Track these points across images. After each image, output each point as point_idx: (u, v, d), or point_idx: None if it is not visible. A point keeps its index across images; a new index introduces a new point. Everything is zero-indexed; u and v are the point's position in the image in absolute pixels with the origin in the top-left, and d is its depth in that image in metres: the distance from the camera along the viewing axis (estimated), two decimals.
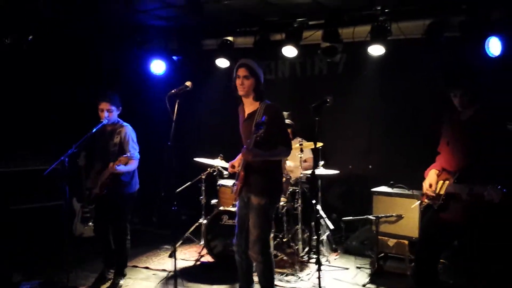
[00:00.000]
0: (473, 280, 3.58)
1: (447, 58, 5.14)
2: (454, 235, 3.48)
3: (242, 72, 3.72)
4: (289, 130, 5.65)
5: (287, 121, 5.74)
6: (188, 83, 3.84)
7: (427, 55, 5.34)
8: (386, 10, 5.26)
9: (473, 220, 3.32)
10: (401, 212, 4.79)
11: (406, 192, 4.87)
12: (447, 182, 3.43)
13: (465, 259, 3.66)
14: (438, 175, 3.57)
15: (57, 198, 5.91)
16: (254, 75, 3.72)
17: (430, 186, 3.54)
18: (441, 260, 3.97)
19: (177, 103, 3.74)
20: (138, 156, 4.50)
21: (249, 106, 3.84)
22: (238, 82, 3.74)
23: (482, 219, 3.31)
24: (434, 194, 3.49)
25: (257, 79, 3.74)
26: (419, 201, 3.73)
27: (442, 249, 3.54)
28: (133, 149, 4.47)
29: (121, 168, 4.29)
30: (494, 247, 3.75)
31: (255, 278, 3.99)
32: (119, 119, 4.60)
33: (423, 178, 3.69)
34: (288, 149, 3.72)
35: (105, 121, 4.40)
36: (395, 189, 5.00)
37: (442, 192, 3.45)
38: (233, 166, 3.92)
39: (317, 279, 3.44)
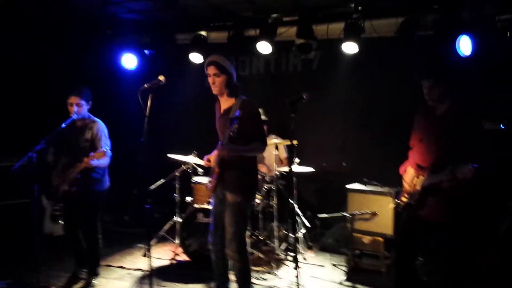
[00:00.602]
0: (448, 277, 3.64)
1: (420, 56, 5.20)
2: (432, 232, 3.52)
3: (211, 70, 3.66)
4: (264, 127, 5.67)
5: (262, 117, 5.73)
6: (161, 78, 3.74)
7: (400, 53, 5.40)
8: (360, 8, 5.29)
9: (450, 215, 3.37)
10: (375, 209, 4.83)
11: (380, 189, 4.91)
12: (421, 177, 3.47)
13: (440, 255, 3.71)
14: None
15: (26, 196, 5.72)
16: (225, 72, 3.65)
17: (410, 183, 3.56)
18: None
19: (149, 98, 3.64)
20: (110, 152, 4.39)
21: (224, 102, 3.79)
22: (209, 80, 3.69)
23: (458, 214, 3.36)
24: (413, 191, 3.52)
25: (229, 75, 3.67)
26: (398, 201, 3.74)
27: (419, 246, 3.58)
28: (106, 144, 4.37)
29: (95, 162, 4.18)
30: (470, 243, 3.82)
31: (232, 277, 3.96)
32: (89, 114, 4.48)
33: (398, 175, 3.72)
34: (263, 145, 3.68)
35: (74, 116, 4.28)
36: (368, 186, 5.04)
37: (418, 188, 3.49)
38: (208, 160, 3.84)
39: (295, 277, 3.44)
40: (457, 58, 4.70)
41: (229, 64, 3.69)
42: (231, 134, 3.50)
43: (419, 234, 3.51)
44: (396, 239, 3.79)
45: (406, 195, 3.62)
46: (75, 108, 4.29)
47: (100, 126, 4.44)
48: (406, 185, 3.61)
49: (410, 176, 3.59)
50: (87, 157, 4.13)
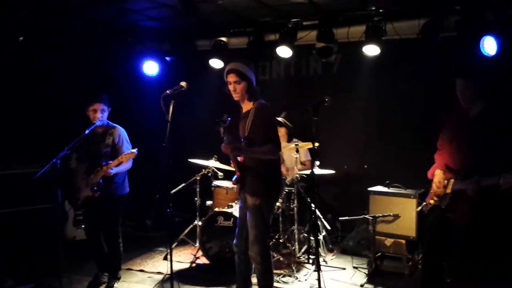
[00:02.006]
0: (472, 280, 3.56)
1: (443, 58, 5.14)
2: (459, 234, 3.45)
3: (232, 78, 3.70)
4: (283, 130, 5.66)
5: (282, 120, 5.72)
6: (183, 83, 3.79)
7: (422, 55, 5.34)
8: (381, 10, 5.27)
9: (480, 219, 3.30)
10: (397, 212, 4.78)
11: (403, 191, 4.87)
12: (452, 180, 3.40)
13: (465, 258, 3.64)
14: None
15: (49, 201, 5.80)
16: (245, 78, 3.69)
17: (439, 185, 3.50)
18: None
19: (172, 104, 3.69)
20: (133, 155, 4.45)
21: (245, 106, 3.85)
22: (230, 88, 3.73)
23: (489, 218, 3.29)
24: (442, 193, 3.46)
25: (249, 81, 3.72)
26: (424, 203, 3.68)
27: (449, 249, 3.52)
28: (128, 149, 4.42)
29: (114, 170, 4.24)
30: (496, 247, 3.74)
31: (254, 280, 3.95)
32: (108, 121, 4.54)
33: (419, 178, 3.66)
34: (276, 148, 3.66)
35: (98, 122, 4.33)
36: (391, 188, 4.99)
37: (448, 191, 3.42)
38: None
39: (316, 280, 3.41)
40: (482, 59, 4.62)
41: (248, 70, 3.73)
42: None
43: (447, 237, 3.44)
44: (424, 240, 3.72)
45: (434, 197, 3.55)
46: (99, 114, 4.34)
47: (121, 132, 4.50)
48: (435, 187, 3.54)
49: (439, 178, 3.52)
50: (106, 165, 4.18)
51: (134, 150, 4.24)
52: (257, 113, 3.66)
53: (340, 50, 5.74)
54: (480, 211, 3.29)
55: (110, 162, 4.24)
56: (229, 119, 3.59)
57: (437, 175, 3.54)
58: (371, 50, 5.39)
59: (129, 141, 4.54)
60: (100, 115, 4.36)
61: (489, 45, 4.65)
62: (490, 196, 3.19)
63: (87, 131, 4.21)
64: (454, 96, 3.48)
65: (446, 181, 3.45)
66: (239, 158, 3.79)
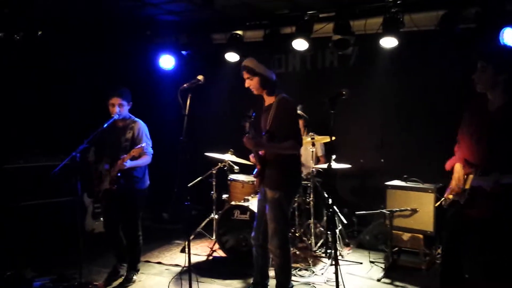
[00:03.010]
0: (491, 276, 3.52)
1: (461, 49, 5.05)
2: (478, 230, 3.41)
3: (244, 75, 3.83)
4: (301, 122, 5.63)
5: (300, 113, 5.70)
6: (200, 77, 3.80)
7: (441, 47, 5.27)
8: (398, 2, 5.19)
9: (500, 215, 3.25)
10: (415, 206, 4.74)
11: (421, 186, 4.83)
12: (471, 176, 3.35)
13: (484, 254, 3.59)
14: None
15: (68, 194, 5.89)
16: (256, 74, 3.76)
17: (458, 182, 3.45)
18: None
19: (189, 97, 3.70)
20: (152, 151, 4.49)
21: (267, 99, 3.91)
22: (246, 84, 3.85)
23: (508, 215, 3.24)
24: (461, 190, 3.41)
25: (262, 76, 3.76)
26: (443, 198, 3.64)
27: (468, 245, 3.48)
28: (147, 144, 4.45)
29: (129, 164, 4.25)
30: None
31: (271, 273, 3.97)
32: (130, 115, 4.56)
33: (436, 172, 3.61)
34: (298, 144, 3.69)
35: (116, 116, 4.35)
36: (408, 183, 4.95)
37: (467, 186, 3.37)
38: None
39: (333, 274, 3.40)
40: (502, 50, 4.53)
41: (259, 65, 3.77)
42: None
43: (467, 233, 3.40)
44: (443, 236, 3.68)
45: (453, 193, 3.50)
46: (117, 109, 4.37)
47: (141, 126, 4.51)
48: (454, 182, 3.49)
49: (458, 173, 3.46)
50: (121, 159, 4.19)
51: (143, 145, 4.26)
52: (279, 107, 3.70)
53: (356, 42, 5.67)
54: (500, 208, 3.23)
55: (124, 156, 4.27)
56: (254, 114, 3.66)
57: (457, 171, 3.48)
58: (389, 42, 5.32)
59: (149, 136, 4.55)
60: (118, 109, 4.38)
61: (510, 37, 4.56)
62: (510, 193, 3.14)
63: (105, 125, 4.25)
64: (474, 89, 3.42)
65: (465, 176, 3.40)
66: (260, 152, 3.82)
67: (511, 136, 3.19)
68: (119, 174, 4.30)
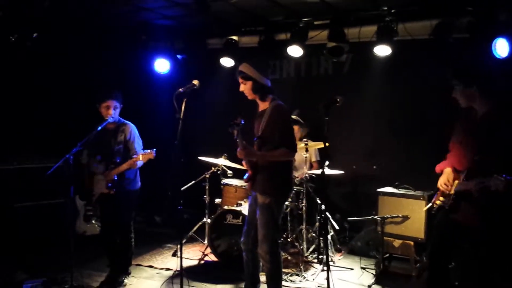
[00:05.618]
0: (480, 282, 3.55)
1: (454, 59, 5.11)
2: (465, 236, 3.46)
3: (239, 79, 3.86)
4: (296, 128, 5.63)
5: (295, 117, 5.71)
6: (195, 82, 3.83)
7: (434, 56, 5.32)
8: (393, 11, 5.25)
9: (483, 221, 3.30)
10: (406, 213, 4.78)
11: (412, 193, 4.87)
12: (456, 182, 3.42)
13: (472, 260, 3.63)
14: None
15: (60, 196, 5.89)
16: (249, 79, 3.78)
17: (444, 186, 3.51)
18: None
19: (184, 102, 3.72)
20: (143, 152, 4.48)
21: (260, 105, 3.93)
22: (240, 88, 3.89)
23: (492, 220, 3.29)
24: (448, 192, 3.47)
25: (254, 81, 3.79)
26: (430, 203, 3.69)
27: (453, 250, 3.52)
28: (139, 146, 4.48)
29: (141, 163, 4.31)
30: (503, 249, 3.72)
31: (262, 278, 3.97)
32: (119, 117, 4.57)
33: (428, 180, 3.66)
34: (291, 151, 3.72)
35: (110, 119, 4.38)
36: (400, 189, 4.99)
37: (452, 192, 3.43)
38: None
39: (325, 280, 3.43)
40: (493, 61, 4.59)
41: (253, 70, 3.79)
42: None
43: (452, 238, 3.45)
44: (430, 241, 3.73)
45: (440, 198, 3.56)
46: (112, 111, 4.39)
47: (132, 128, 4.53)
48: (441, 187, 3.55)
49: (446, 178, 3.53)
50: (132, 159, 4.23)
51: (153, 151, 4.26)
52: (273, 114, 3.72)
53: (351, 50, 5.71)
54: (486, 213, 3.28)
55: (119, 160, 4.31)
56: (243, 122, 3.66)
57: (444, 174, 3.56)
58: (383, 50, 5.37)
59: (139, 137, 4.57)
60: (113, 111, 4.40)
61: (502, 47, 4.62)
62: (495, 198, 3.18)
63: (99, 128, 4.26)
64: (459, 106, 3.50)
65: (452, 181, 3.47)
66: None
67: (495, 141, 3.25)
68: (115, 178, 4.32)
